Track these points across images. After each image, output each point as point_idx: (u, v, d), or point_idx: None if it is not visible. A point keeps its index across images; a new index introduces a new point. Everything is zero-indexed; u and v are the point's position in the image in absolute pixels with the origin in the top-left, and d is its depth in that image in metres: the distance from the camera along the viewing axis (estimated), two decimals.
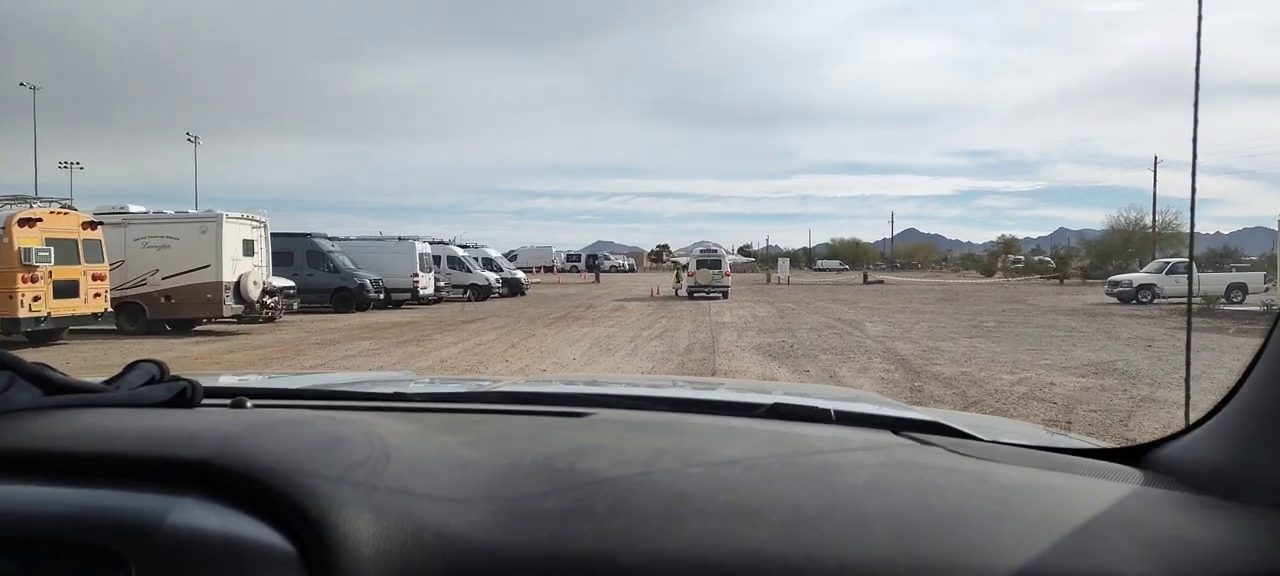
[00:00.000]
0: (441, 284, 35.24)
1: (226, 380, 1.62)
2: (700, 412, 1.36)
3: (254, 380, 1.77)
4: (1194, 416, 1.04)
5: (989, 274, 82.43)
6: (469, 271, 39.16)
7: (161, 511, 0.75)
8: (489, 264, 42.66)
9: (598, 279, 63.68)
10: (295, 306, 24.71)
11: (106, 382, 1.08)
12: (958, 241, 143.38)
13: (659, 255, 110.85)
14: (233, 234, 21.03)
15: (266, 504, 0.77)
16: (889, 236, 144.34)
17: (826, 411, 1.27)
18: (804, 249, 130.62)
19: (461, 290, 38.45)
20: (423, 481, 0.85)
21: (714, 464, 0.95)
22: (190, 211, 21.94)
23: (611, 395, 1.49)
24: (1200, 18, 1.13)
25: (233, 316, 20.98)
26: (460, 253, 40.02)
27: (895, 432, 1.17)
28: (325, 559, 0.73)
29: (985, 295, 41.63)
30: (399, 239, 33.85)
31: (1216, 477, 0.92)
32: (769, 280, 61.74)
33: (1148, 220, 62.55)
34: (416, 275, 32.43)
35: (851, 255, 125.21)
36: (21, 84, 56.05)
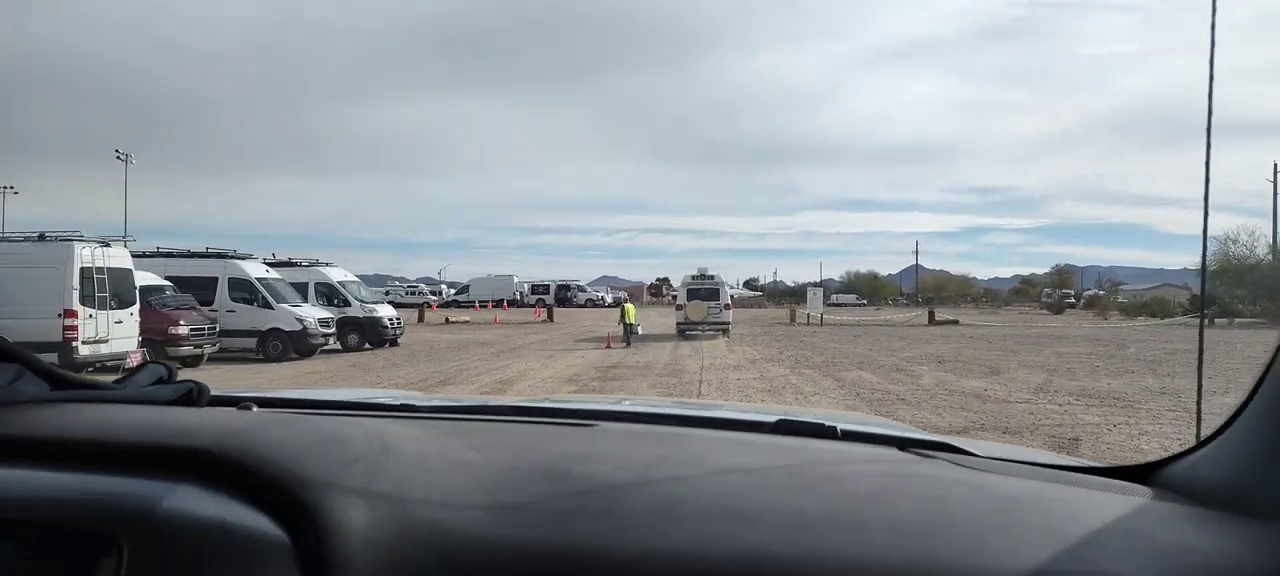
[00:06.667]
0: (182, 330, 18.18)
1: (235, 391, 1.55)
2: (707, 428, 1.33)
3: (263, 393, 1.72)
4: (1205, 432, 1.01)
5: (1058, 311, 65.94)
6: (269, 308, 21.76)
7: (156, 497, 0.76)
8: (329, 295, 25.13)
9: (550, 316, 45.85)
10: None
11: (116, 382, 1.08)
12: (964, 276, 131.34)
13: (659, 289, 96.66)
14: None
15: (262, 493, 0.78)
16: (907, 269, 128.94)
17: (832, 428, 1.26)
18: (814, 283, 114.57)
19: (253, 339, 21.34)
20: (421, 478, 0.87)
21: (715, 471, 0.95)
22: None
23: (620, 411, 1.49)
24: (1213, 45, 1.14)
25: None
26: (257, 274, 22.31)
27: (901, 449, 1.16)
28: (317, 546, 0.76)
29: (1166, 348, 24.50)
30: (40, 238, 16.38)
31: (1224, 493, 0.91)
32: (793, 319, 44.38)
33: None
34: (71, 313, 15.35)
35: (869, 289, 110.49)
36: None
